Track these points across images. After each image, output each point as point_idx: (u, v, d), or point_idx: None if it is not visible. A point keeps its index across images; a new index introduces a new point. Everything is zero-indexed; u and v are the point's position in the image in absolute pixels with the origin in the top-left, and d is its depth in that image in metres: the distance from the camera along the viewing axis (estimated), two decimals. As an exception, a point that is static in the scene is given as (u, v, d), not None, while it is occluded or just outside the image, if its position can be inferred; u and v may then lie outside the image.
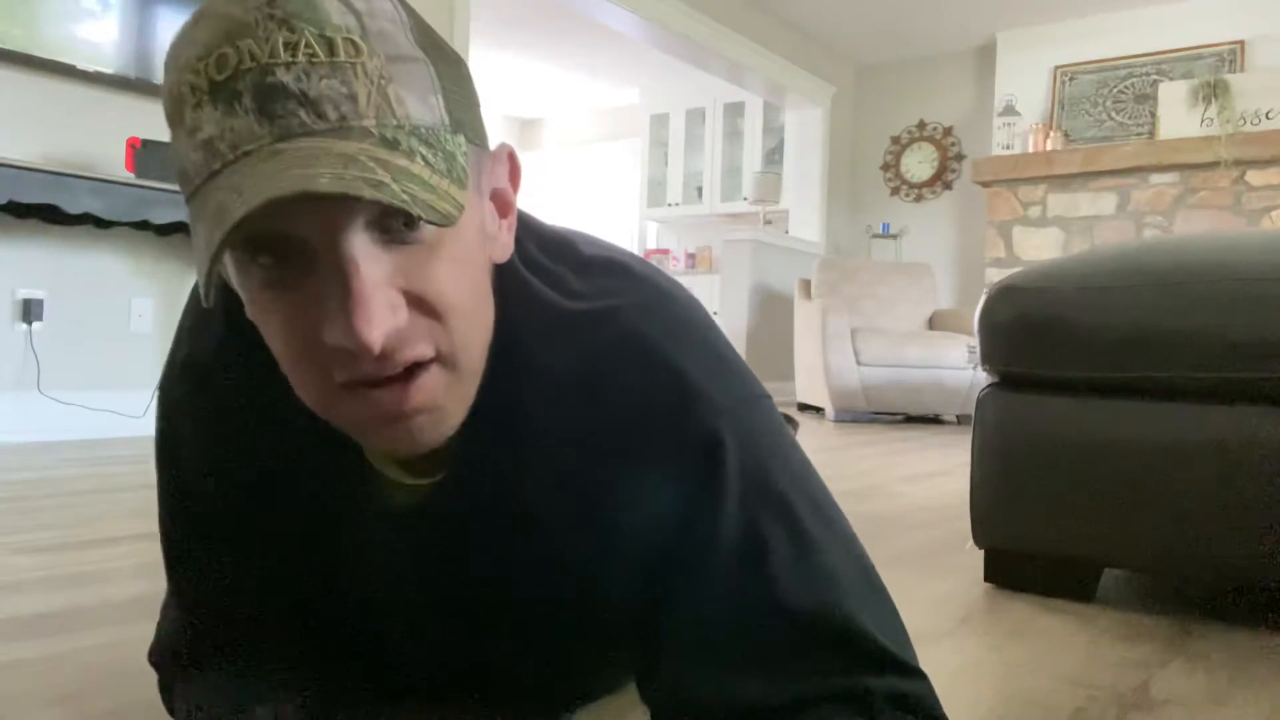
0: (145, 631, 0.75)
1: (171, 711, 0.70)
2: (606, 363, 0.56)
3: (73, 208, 2.56)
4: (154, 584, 1.21)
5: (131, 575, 1.30)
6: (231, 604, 0.69)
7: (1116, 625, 1.21)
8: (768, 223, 6.34)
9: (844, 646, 0.53)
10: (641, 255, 7.72)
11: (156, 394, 0.69)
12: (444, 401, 0.50)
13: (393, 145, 0.43)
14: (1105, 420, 1.25)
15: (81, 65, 2.80)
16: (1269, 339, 1.13)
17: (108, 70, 2.86)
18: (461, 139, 0.48)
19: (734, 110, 7.04)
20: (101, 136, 2.88)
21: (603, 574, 0.58)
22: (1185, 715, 0.91)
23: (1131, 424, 1.23)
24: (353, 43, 0.44)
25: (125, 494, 1.96)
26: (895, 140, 6.50)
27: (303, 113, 0.43)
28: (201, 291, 0.44)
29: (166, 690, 0.71)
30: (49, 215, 2.71)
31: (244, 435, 0.63)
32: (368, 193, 0.41)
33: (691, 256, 7.29)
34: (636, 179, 7.66)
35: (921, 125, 6.40)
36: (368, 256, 0.45)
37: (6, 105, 2.71)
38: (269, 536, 0.66)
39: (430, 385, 0.49)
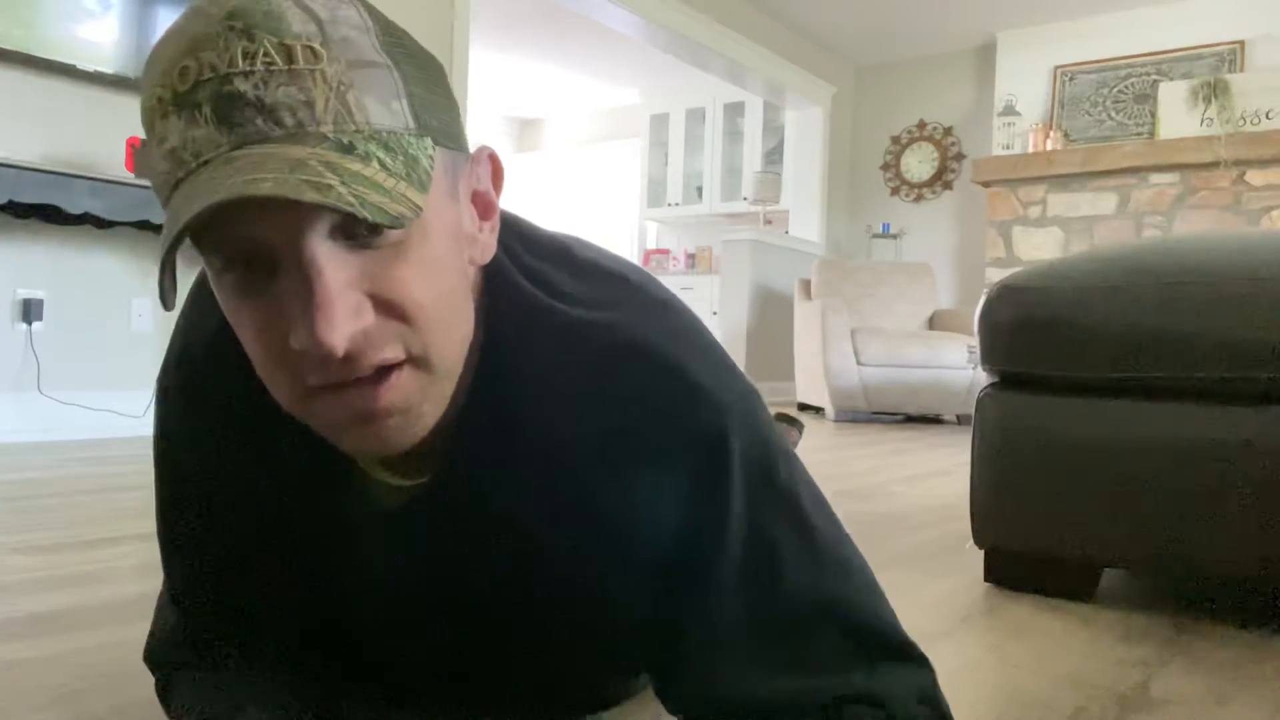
0: (145, 631, 0.75)
1: (169, 712, 0.70)
2: (608, 369, 0.56)
3: (73, 208, 2.56)
4: (154, 584, 1.20)
5: (131, 575, 1.30)
6: (227, 601, 0.69)
7: (1116, 625, 1.21)
8: (768, 223, 6.34)
9: (864, 636, 0.56)
10: (642, 255, 7.70)
11: (156, 386, 0.69)
12: (416, 402, 0.50)
13: (348, 149, 0.44)
14: (1105, 420, 1.25)
15: (81, 65, 2.80)
16: (1269, 339, 1.13)
17: (108, 70, 2.86)
18: (428, 142, 0.48)
19: (734, 110, 7.03)
20: (101, 136, 2.88)
21: (604, 576, 0.58)
22: (1185, 715, 0.91)
23: (1131, 424, 1.23)
24: (312, 50, 0.44)
25: (125, 494, 1.96)
26: (895, 140, 6.50)
27: (260, 120, 0.43)
28: (160, 295, 0.45)
29: (164, 691, 0.71)
30: (49, 215, 2.71)
31: (236, 429, 0.63)
32: (310, 195, 0.41)
33: (691, 256, 7.29)
34: (636, 179, 7.66)
35: (921, 125, 6.39)
36: (331, 260, 0.45)
37: (6, 105, 2.70)
38: (262, 533, 0.66)
39: (401, 385, 0.49)
